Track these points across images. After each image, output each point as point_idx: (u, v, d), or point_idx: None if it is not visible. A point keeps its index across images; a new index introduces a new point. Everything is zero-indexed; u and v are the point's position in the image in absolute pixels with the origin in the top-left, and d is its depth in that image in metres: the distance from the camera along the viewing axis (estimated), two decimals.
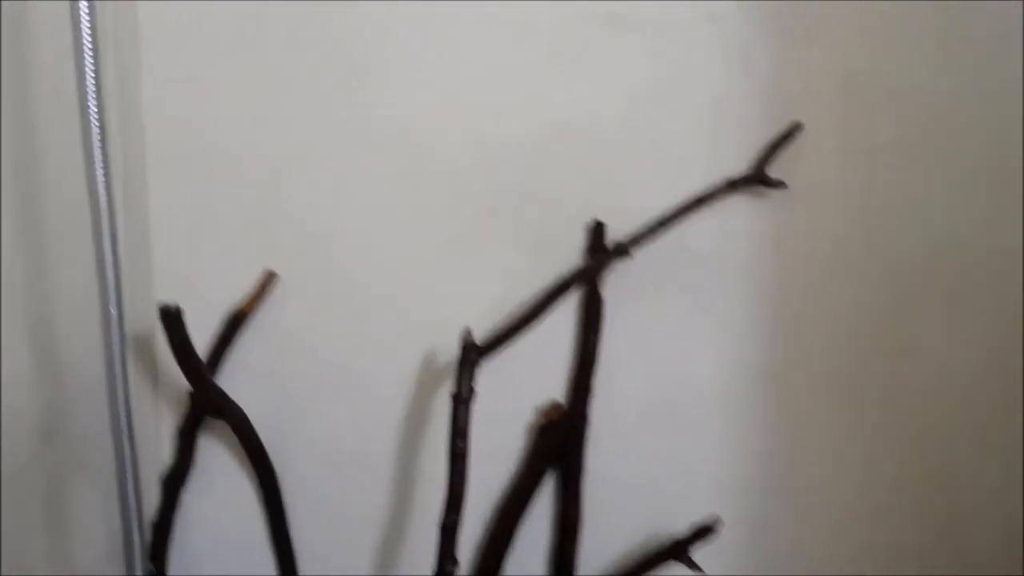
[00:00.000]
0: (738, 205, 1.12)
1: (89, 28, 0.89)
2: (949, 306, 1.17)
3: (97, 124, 0.89)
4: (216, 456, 1.17)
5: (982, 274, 1.17)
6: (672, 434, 1.17)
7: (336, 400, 1.16)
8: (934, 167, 1.14)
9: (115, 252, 0.90)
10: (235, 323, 1.12)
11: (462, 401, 0.99)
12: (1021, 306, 1.17)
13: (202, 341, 1.11)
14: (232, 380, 1.12)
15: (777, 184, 1.10)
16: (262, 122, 1.09)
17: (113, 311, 0.91)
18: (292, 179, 1.11)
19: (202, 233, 1.12)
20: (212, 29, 1.07)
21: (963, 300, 1.17)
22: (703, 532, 1.05)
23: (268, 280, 1.12)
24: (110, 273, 0.91)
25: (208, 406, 1.09)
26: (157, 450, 1.16)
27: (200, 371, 1.03)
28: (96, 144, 0.88)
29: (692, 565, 1.06)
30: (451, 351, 1.11)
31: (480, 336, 1.05)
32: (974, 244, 1.16)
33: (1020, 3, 1.11)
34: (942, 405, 1.19)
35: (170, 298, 0.94)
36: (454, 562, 0.99)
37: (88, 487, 1.07)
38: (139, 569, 1.01)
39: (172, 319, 0.95)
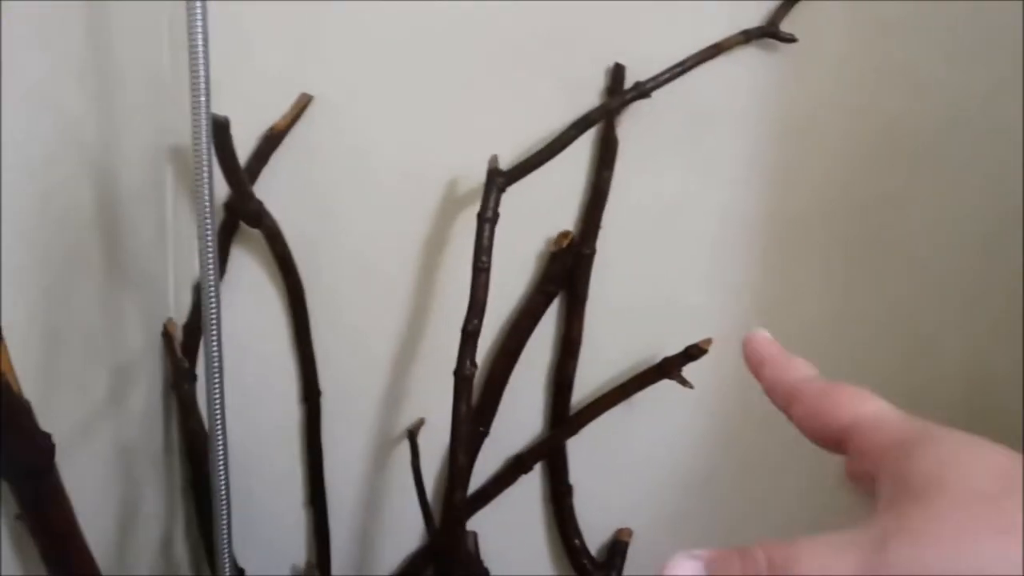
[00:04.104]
0: (751, 57, 1.19)
1: None
2: (941, 169, 1.24)
3: None
4: (245, 266, 1.26)
5: (980, 145, 1.23)
6: (671, 268, 1.27)
7: (362, 219, 1.25)
8: (937, 41, 1.20)
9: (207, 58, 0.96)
10: (271, 140, 1.18)
11: (487, 220, 1.08)
12: (1020, 180, 1.24)
13: (240, 158, 1.17)
14: (265, 195, 1.19)
15: (788, 38, 1.17)
16: None
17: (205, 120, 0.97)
18: (327, 6, 1.16)
19: (241, 56, 1.17)
20: None
21: (957, 167, 1.24)
22: (693, 352, 1.14)
23: (303, 101, 1.18)
24: (203, 81, 0.97)
25: (245, 214, 1.17)
26: (190, 259, 1.24)
27: (242, 180, 1.11)
28: None
29: (683, 382, 1.17)
30: (472, 181, 1.19)
31: (504, 165, 1.13)
32: (974, 115, 1.22)
33: None
34: (927, 260, 1.28)
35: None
36: (473, 364, 1.10)
37: (130, 290, 1.16)
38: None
39: (221, 129, 1.02)
